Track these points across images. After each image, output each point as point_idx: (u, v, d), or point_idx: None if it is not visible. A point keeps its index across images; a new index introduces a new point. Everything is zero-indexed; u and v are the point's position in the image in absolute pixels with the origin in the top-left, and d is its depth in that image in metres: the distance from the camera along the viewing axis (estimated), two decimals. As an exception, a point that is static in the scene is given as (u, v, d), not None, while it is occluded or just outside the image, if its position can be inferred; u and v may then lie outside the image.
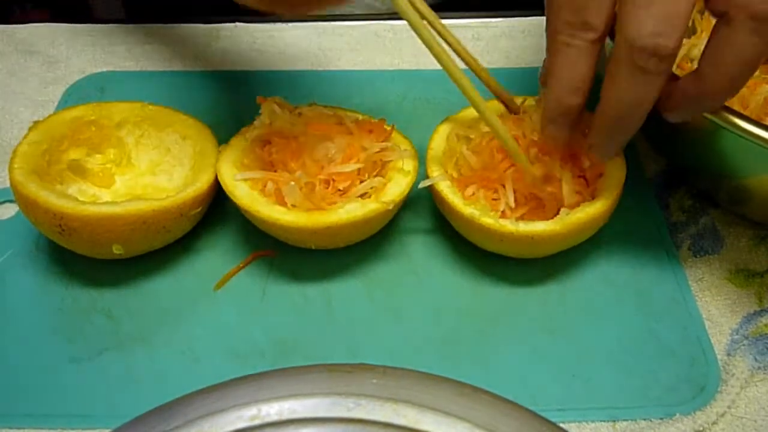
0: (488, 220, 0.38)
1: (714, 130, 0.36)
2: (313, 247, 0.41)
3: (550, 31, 0.34)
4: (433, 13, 0.40)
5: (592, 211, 0.38)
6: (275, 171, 0.40)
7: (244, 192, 0.39)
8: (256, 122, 0.42)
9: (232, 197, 0.39)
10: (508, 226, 0.38)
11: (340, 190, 0.40)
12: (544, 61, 0.37)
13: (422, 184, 0.41)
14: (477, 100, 0.38)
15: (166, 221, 0.39)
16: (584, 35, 0.33)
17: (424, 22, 0.36)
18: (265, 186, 0.40)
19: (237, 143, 0.42)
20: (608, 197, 0.39)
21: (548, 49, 0.35)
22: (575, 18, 0.33)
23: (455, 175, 0.42)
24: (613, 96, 0.33)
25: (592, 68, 0.34)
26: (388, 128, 0.42)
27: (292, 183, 0.38)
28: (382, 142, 0.41)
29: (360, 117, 0.43)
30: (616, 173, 0.40)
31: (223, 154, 0.41)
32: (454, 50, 0.42)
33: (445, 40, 0.41)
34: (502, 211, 0.40)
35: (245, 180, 0.40)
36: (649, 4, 0.30)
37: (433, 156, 0.42)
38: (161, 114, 0.44)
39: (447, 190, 0.40)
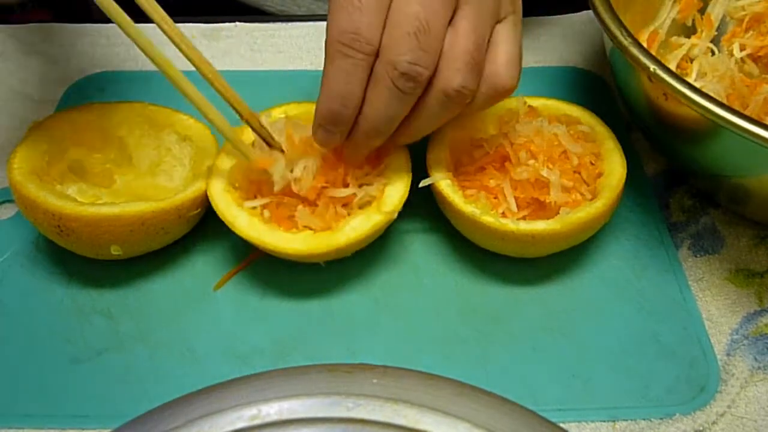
0: (489, 219, 0.38)
1: (714, 129, 0.36)
2: (323, 264, 0.40)
3: (329, 41, 0.35)
4: (162, 12, 0.38)
5: (593, 210, 0.38)
6: (265, 188, 0.40)
7: (245, 222, 0.38)
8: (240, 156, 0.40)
9: (233, 229, 0.38)
10: (509, 224, 0.38)
11: (342, 206, 0.40)
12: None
13: (423, 183, 0.40)
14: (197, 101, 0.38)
15: (164, 222, 0.39)
16: (361, 48, 0.34)
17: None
18: (263, 211, 0.39)
19: (222, 164, 0.41)
20: (608, 197, 0.39)
21: (325, 59, 0.35)
22: (352, 31, 0.34)
23: (456, 172, 0.42)
24: (371, 110, 0.36)
25: (363, 82, 0.35)
26: None
27: (301, 207, 0.39)
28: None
29: None
30: (616, 173, 0.40)
31: (213, 181, 0.40)
32: (185, 55, 0.40)
33: (175, 44, 0.39)
34: (503, 212, 0.40)
35: (241, 207, 0.39)
36: (410, 35, 0.33)
37: (435, 155, 0.42)
38: (162, 114, 0.44)
39: (448, 189, 0.40)
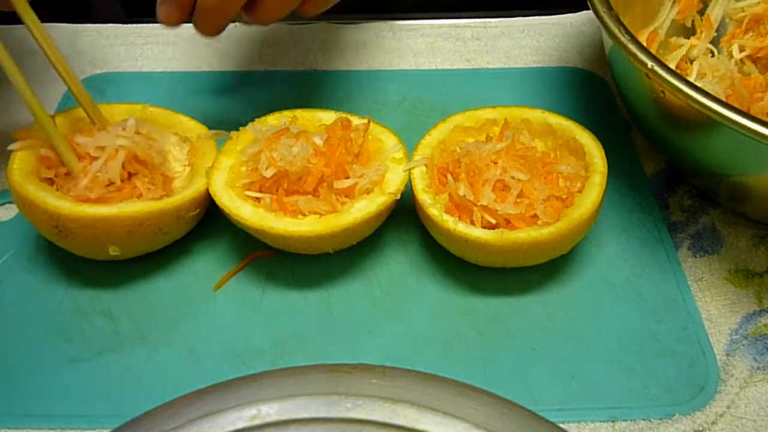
0: (434, 212, 0.38)
1: (713, 126, 0.36)
2: (332, 251, 0.41)
3: None
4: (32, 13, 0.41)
5: (537, 234, 0.37)
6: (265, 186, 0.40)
7: (249, 212, 0.38)
8: (243, 169, 0.41)
9: (239, 220, 0.38)
10: (449, 223, 0.38)
11: (345, 196, 0.40)
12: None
13: (405, 167, 0.41)
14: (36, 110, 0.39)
15: (162, 223, 0.39)
16: None
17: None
18: (265, 198, 0.39)
19: (222, 163, 0.41)
20: (561, 227, 0.38)
21: None
22: None
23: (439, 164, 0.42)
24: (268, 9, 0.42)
25: None
26: (363, 122, 0.42)
27: (302, 197, 0.39)
28: (362, 136, 0.42)
29: (331, 122, 0.42)
30: (582, 208, 0.38)
31: (214, 179, 0.40)
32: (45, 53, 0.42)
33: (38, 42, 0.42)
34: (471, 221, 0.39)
35: (245, 200, 0.39)
36: None
37: (425, 143, 0.42)
38: (162, 116, 0.44)
39: (436, 212, 0.39)
